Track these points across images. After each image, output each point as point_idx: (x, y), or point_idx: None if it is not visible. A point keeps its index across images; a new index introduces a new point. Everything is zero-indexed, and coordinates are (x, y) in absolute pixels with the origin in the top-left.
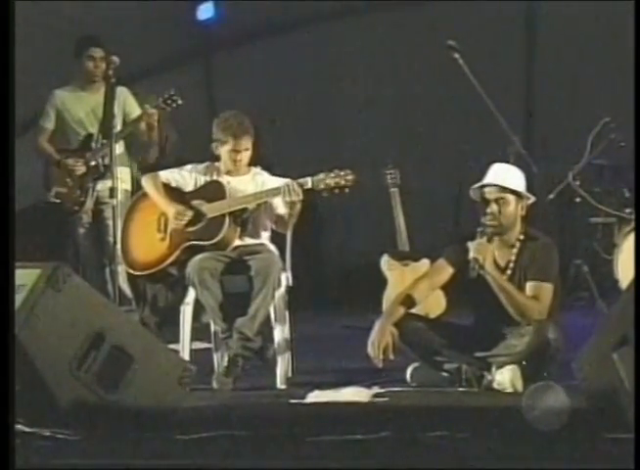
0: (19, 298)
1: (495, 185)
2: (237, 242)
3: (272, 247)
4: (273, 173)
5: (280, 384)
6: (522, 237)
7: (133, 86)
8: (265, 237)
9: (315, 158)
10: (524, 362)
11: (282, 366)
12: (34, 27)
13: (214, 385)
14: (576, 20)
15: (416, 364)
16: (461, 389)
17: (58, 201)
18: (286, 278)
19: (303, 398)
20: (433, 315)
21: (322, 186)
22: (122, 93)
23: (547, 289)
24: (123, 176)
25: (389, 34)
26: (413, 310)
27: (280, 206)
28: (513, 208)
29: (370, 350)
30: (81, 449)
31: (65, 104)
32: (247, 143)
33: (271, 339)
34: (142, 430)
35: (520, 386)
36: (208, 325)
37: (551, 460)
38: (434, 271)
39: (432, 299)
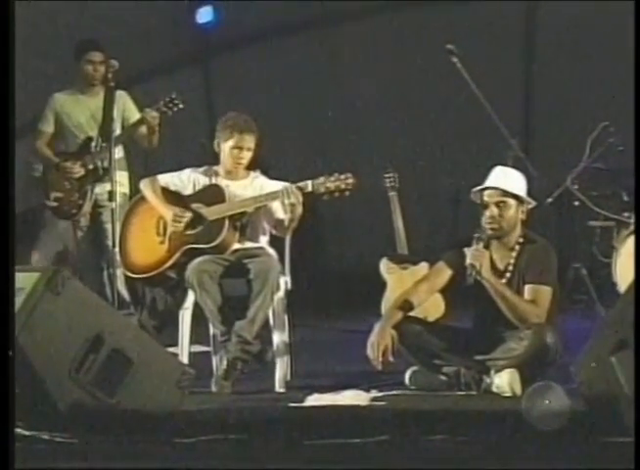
0: (18, 301)
1: (496, 188)
2: (236, 245)
3: (271, 250)
4: (272, 177)
5: (279, 387)
6: (521, 240)
7: (132, 90)
8: (264, 241)
9: (314, 161)
10: (522, 366)
11: (281, 370)
12: (33, 30)
13: (213, 388)
14: (575, 22)
15: (415, 368)
16: (460, 392)
17: (56, 204)
18: (285, 281)
19: (302, 401)
20: (431, 318)
21: (322, 190)
22: (122, 97)
23: (545, 292)
24: (122, 180)
25: (388, 37)
26: (412, 313)
27: (279, 210)
28: (513, 211)
29: (369, 351)
30: (80, 453)
31: (64, 107)
32: (250, 141)
33: (270, 342)
34: (141, 433)
35: (518, 389)
36: (207, 328)
37: (549, 464)
38: (434, 274)
39: (430, 302)
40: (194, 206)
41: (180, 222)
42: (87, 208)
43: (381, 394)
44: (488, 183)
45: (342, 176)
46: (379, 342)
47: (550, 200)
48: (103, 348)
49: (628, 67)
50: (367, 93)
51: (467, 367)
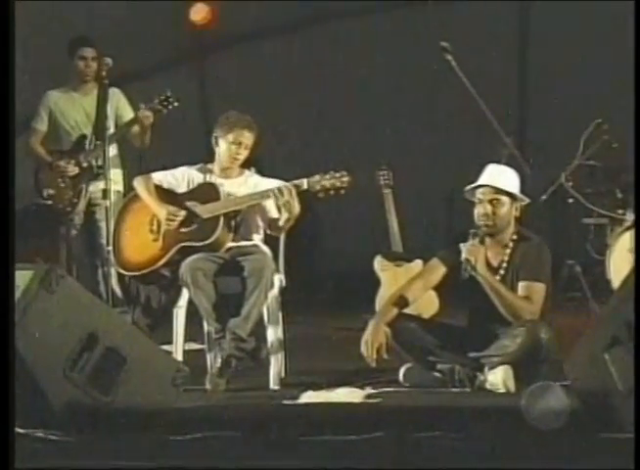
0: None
1: (490, 186)
2: (230, 243)
3: (265, 248)
4: (267, 175)
5: (273, 385)
6: (515, 237)
7: (127, 87)
8: (258, 239)
9: (309, 159)
10: (516, 363)
11: (275, 367)
12: (28, 28)
13: (208, 386)
14: (570, 19)
15: (409, 365)
16: (454, 389)
17: (49, 202)
18: (279, 279)
19: (297, 398)
20: (426, 316)
21: (318, 187)
22: (115, 95)
23: (539, 289)
24: (116, 178)
25: (383, 36)
26: (406, 310)
27: (273, 209)
28: (507, 209)
29: (363, 349)
30: (75, 451)
31: (57, 105)
32: (249, 138)
33: (264, 340)
34: (135, 431)
35: (512, 386)
36: (202, 326)
37: (544, 460)
38: (428, 271)
39: (425, 299)
40: (188, 203)
41: (174, 220)
42: (81, 206)
43: (375, 391)
44: (482, 181)
45: (338, 174)
46: (373, 339)
47: (544, 197)
48: (97, 346)
49: (623, 64)
50: (362, 91)
51: (461, 364)
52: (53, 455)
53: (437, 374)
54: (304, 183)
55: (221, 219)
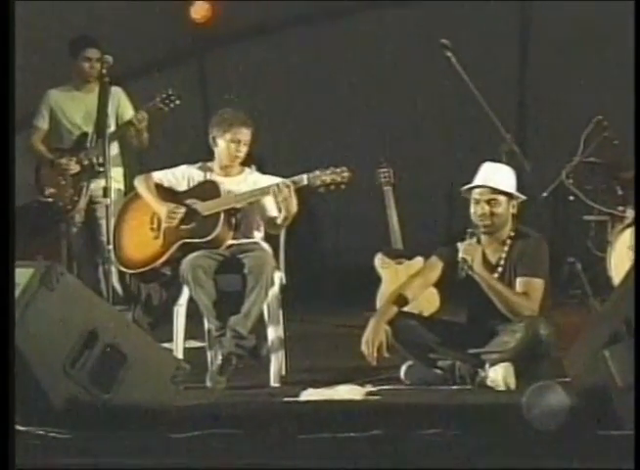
0: None
1: (487, 187)
2: (230, 241)
3: (266, 245)
4: (267, 172)
5: (273, 382)
6: (512, 234)
7: (127, 85)
8: (259, 236)
9: (309, 156)
10: (516, 359)
11: (275, 364)
12: (28, 27)
13: (208, 383)
14: (571, 17)
15: (410, 363)
16: (455, 387)
17: (50, 200)
18: (279, 276)
19: (297, 396)
20: (426, 313)
21: (318, 183)
22: (117, 93)
23: (537, 284)
24: (117, 176)
25: (383, 33)
26: (407, 308)
27: (271, 207)
28: (504, 207)
29: (364, 348)
30: (75, 448)
31: (59, 103)
32: (247, 135)
33: (265, 337)
34: (136, 428)
35: (512, 384)
36: (202, 324)
37: (543, 457)
38: (427, 269)
39: (425, 296)
40: (188, 201)
41: (174, 218)
42: (82, 204)
43: (375, 388)
44: (478, 181)
45: (338, 170)
46: (374, 338)
47: (545, 194)
48: (97, 343)
49: (623, 63)
50: (363, 88)
51: (462, 361)
52: (53, 453)
53: (438, 371)
54: (304, 179)
55: (221, 216)
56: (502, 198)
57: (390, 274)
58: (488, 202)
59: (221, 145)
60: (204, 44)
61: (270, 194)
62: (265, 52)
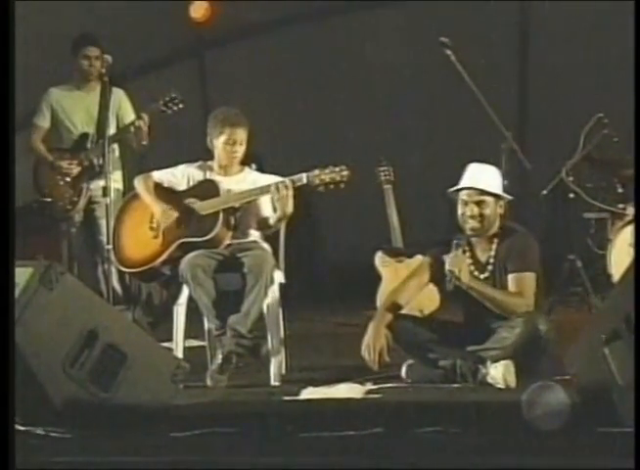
0: None
1: (474, 188)
2: (229, 240)
3: (265, 244)
4: (267, 171)
5: (274, 381)
6: (499, 231)
7: (127, 85)
8: (258, 235)
9: (309, 155)
10: (516, 355)
11: (275, 363)
12: (29, 26)
13: (208, 382)
14: (571, 15)
15: (411, 361)
16: (456, 384)
17: (50, 200)
18: (279, 275)
19: (297, 394)
20: (427, 311)
21: (317, 182)
22: (118, 95)
23: (529, 278)
24: (116, 176)
25: (383, 32)
26: (407, 308)
27: (266, 207)
28: (492, 208)
29: (365, 353)
30: (75, 448)
31: (59, 102)
32: (242, 135)
33: (264, 336)
34: (135, 427)
35: (512, 381)
36: (202, 323)
37: (545, 455)
38: (421, 270)
39: (425, 295)
40: (188, 201)
41: (170, 218)
42: (82, 204)
43: (375, 386)
44: (465, 183)
45: (337, 168)
46: (374, 343)
47: (545, 192)
48: (97, 343)
49: (622, 61)
50: (363, 87)
51: (462, 359)
52: (53, 452)
53: (440, 370)
54: (304, 178)
55: (220, 216)
56: (490, 199)
57: (391, 273)
58: (477, 203)
59: (218, 146)
60: (203, 44)
61: (269, 193)
62: (264, 50)
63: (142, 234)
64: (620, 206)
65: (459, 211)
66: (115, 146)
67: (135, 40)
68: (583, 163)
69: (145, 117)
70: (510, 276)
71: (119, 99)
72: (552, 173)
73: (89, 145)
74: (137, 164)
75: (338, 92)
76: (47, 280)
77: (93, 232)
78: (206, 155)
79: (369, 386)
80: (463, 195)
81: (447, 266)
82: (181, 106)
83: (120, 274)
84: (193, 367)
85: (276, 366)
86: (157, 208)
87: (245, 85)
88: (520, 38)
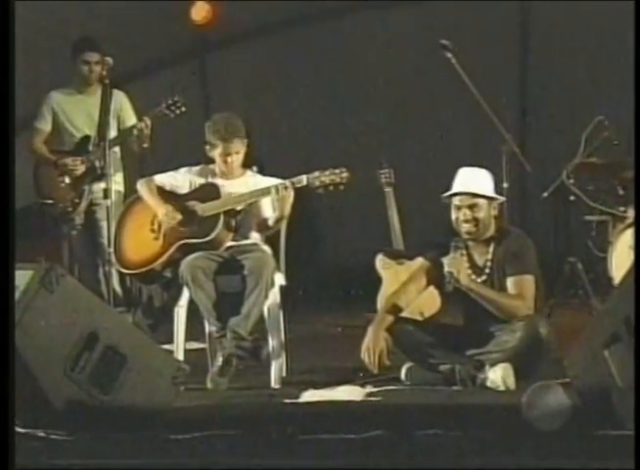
0: None
1: (467, 193)
2: (230, 242)
3: (265, 246)
4: (267, 173)
5: (274, 383)
6: (495, 234)
7: (127, 86)
8: (258, 237)
9: (309, 157)
10: (517, 358)
11: (276, 366)
12: (29, 28)
13: (209, 384)
14: (571, 17)
15: (410, 364)
16: (455, 387)
17: (51, 202)
18: (279, 278)
19: (297, 397)
20: (427, 315)
21: (317, 184)
22: (119, 97)
23: (528, 281)
24: (117, 178)
25: (383, 34)
26: (407, 312)
27: (266, 208)
28: (485, 211)
29: (365, 357)
30: (75, 450)
31: (60, 105)
32: (237, 146)
33: (265, 338)
34: (136, 430)
35: (512, 384)
36: (202, 325)
37: (543, 457)
38: (419, 273)
39: (426, 298)
40: (189, 204)
41: (173, 219)
42: (82, 206)
43: (376, 389)
44: (457, 188)
45: (337, 171)
46: (374, 346)
47: (546, 194)
48: (97, 345)
49: (623, 63)
50: (364, 89)
51: (462, 363)
52: (53, 454)
53: (439, 374)
54: (304, 179)
55: (221, 218)
56: (483, 202)
57: (391, 275)
58: (470, 207)
59: (215, 156)
60: (204, 45)
61: (270, 195)
62: (265, 52)
63: (143, 236)
64: (621, 208)
65: (453, 216)
66: (117, 148)
67: (136, 42)
68: (584, 165)
69: (147, 120)
70: (509, 279)
71: (121, 101)
72: (553, 176)
73: (90, 147)
74: (138, 166)
75: (338, 93)
76: (47, 282)
77: (94, 234)
78: (208, 157)
79: (369, 388)
80: (456, 200)
81: (446, 268)
82: (183, 109)
83: (121, 276)
84: (193, 369)
85: (276, 369)
86: (159, 210)
87: (246, 87)
88: (520, 38)
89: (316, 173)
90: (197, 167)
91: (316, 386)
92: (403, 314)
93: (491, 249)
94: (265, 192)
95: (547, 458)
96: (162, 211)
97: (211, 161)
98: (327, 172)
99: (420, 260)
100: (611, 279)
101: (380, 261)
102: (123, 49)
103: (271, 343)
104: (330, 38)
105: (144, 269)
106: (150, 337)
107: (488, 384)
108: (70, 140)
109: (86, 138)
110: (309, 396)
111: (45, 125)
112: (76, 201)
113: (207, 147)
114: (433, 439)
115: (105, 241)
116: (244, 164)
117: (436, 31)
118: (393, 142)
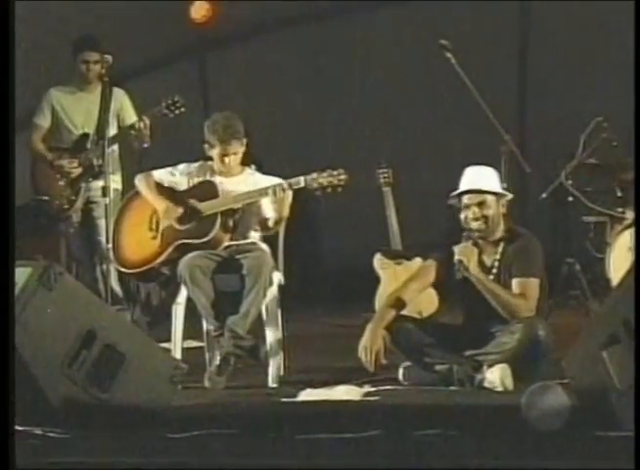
0: None
1: (474, 191)
2: (228, 241)
3: (264, 246)
4: (266, 173)
5: (272, 382)
6: (505, 235)
7: (127, 85)
8: (257, 236)
9: (308, 157)
10: (515, 359)
11: (274, 365)
12: (29, 26)
13: (206, 383)
14: (570, 17)
15: (408, 363)
16: (453, 387)
17: (48, 199)
18: (278, 277)
19: (295, 396)
20: (426, 314)
21: (315, 185)
22: (119, 95)
23: (533, 284)
24: (115, 177)
25: (383, 34)
26: (405, 311)
27: (266, 208)
28: (494, 208)
29: (362, 354)
30: (73, 448)
31: (60, 102)
32: (235, 147)
33: (263, 337)
34: (134, 428)
35: (510, 384)
36: (200, 324)
37: (542, 458)
38: (423, 272)
39: (424, 297)
40: (187, 201)
41: (172, 216)
42: (79, 204)
43: (373, 389)
44: (464, 186)
45: (335, 172)
46: (371, 344)
47: (544, 195)
48: (95, 343)
49: (622, 63)
50: (362, 89)
51: (459, 364)
52: (51, 452)
53: (437, 374)
54: (302, 181)
55: (219, 217)
56: (491, 199)
57: (389, 275)
58: (479, 205)
59: (213, 155)
60: (204, 44)
61: (267, 195)
62: (265, 52)
63: (141, 235)
64: (620, 209)
65: (462, 215)
66: (115, 147)
67: (136, 41)
68: (583, 166)
69: (146, 119)
70: (515, 280)
71: (120, 99)
72: (551, 177)
73: (89, 145)
74: (137, 165)
75: (338, 93)
76: (45, 280)
77: (91, 232)
78: (206, 155)
79: (367, 388)
80: (464, 199)
81: (456, 256)
82: (183, 110)
83: (119, 274)
84: (191, 368)
85: (274, 368)
86: (158, 206)
87: (245, 86)
88: (520, 40)
89: (314, 175)
90: (195, 164)
91: (314, 385)
92: (402, 313)
93: (500, 249)
94: (263, 193)
95: (546, 459)
96: (161, 207)
97: (210, 158)
98: (325, 174)
99: (419, 260)
100: (609, 280)
101: (378, 261)
102: (123, 47)
103: (269, 342)
104: (329, 37)
105: (142, 269)
106: (148, 335)
107: (486, 384)
108: (69, 137)
109: (85, 136)
110: (307, 395)
111: (44, 122)
112: (73, 198)
113: (206, 146)
114: (430, 439)
115: (102, 239)
116: (242, 163)
117: (436, 31)
118: (392, 142)
